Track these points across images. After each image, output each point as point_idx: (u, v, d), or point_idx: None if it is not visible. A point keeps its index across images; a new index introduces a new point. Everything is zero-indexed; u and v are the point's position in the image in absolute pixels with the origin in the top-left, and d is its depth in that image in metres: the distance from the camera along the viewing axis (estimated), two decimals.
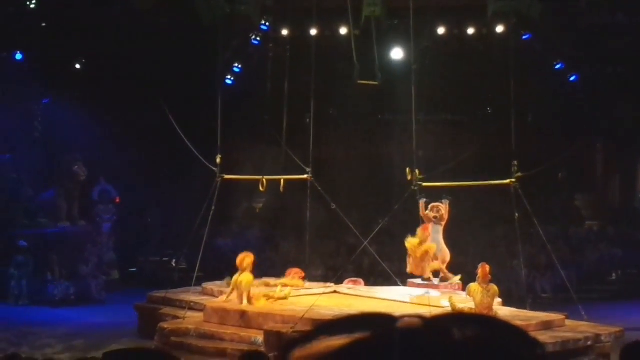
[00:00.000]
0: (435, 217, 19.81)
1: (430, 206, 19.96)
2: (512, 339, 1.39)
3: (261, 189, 21.80)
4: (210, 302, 19.73)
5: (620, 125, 29.08)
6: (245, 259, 18.88)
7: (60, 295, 25.43)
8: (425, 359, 1.30)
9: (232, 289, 18.87)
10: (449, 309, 16.45)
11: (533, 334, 13.67)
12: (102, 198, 28.53)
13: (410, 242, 19.73)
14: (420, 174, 20.61)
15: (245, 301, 18.58)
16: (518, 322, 16.71)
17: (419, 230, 19.67)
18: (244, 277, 18.67)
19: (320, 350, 1.42)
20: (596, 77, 26.83)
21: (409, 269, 19.78)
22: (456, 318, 1.40)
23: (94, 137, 26.44)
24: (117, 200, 28.86)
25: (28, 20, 24.01)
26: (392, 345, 1.34)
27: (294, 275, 20.87)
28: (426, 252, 19.52)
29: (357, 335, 1.39)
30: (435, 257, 19.78)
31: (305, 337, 1.45)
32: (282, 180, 21.63)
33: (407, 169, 20.49)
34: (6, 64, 25.74)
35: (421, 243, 19.48)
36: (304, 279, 21.15)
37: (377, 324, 1.39)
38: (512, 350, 1.35)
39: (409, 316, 1.38)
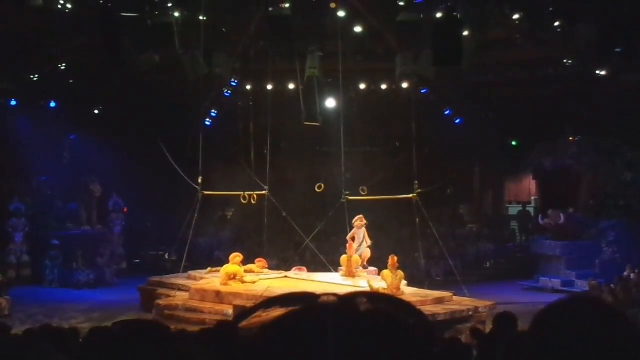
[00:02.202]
0: (358, 226, 19.80)
1: (354, 219, 19.95)
2: (403, 310, 1.40)
3: (243, 201, 21.86)
4: (193, 284, 19.63)
5: (491, 154, 29.37)
6: (235, 257, 19.44)
7: (82, 280, 25.14)
8: (338, 325, 1.30)
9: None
10: (366, 288, 16.56)
11: (429, 306, 13.72)
12: (114, 208, 28.37)
13: (342, 258, 19.89)
14: (345, 190, 20.75)
15: (225, 282, 18.83)
16: (418, 298, 16.85)
17: (347, 248, 19.76)
18: (229, 267, 19.12)
19: (267, 318, 1.42)
20: (474, 120, 27.06)
21: (341, 274, 19.73)
22: (367, 296, 1.41)
23: (108, 164, 26.26)
24: (125, 210, 28.68)
25: (59, 77, 23.95)
26: (316, 314, 1.34)
27: (258, 263, 20.79)
28: (352, 262, 19.56)
29: (290, 308, 1.39)
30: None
31: (252, 309, 1.45)
32: (254, 194, 21.63)
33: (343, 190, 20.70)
34: (43, 110, 25.74)
35: (349, 257, 19.51)
36: (267, 266, 21.09)
37: (304, 300, 1.39)
38: (402, 317, 1.37)
39: (327, 294, 1.39)
